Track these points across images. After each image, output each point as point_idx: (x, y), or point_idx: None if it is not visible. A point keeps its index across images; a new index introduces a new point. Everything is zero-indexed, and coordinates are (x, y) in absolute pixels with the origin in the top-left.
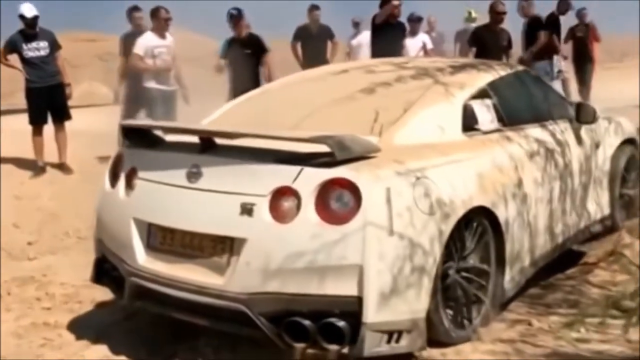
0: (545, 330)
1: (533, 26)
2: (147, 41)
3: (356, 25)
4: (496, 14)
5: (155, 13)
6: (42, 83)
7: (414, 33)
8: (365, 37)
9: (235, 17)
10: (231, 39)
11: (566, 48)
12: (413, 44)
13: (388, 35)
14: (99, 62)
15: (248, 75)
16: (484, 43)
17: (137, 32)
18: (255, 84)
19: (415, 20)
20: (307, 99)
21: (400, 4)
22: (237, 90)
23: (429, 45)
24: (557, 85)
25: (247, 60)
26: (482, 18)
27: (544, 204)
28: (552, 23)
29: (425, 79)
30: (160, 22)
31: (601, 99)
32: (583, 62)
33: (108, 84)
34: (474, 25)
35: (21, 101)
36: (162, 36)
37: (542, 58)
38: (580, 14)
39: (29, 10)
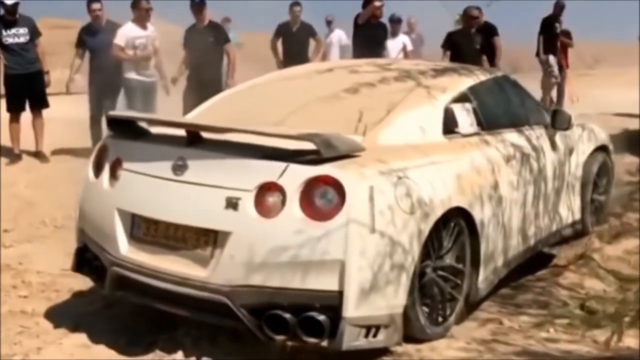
0: (515, 330)
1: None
2: (127, 31)
3: (329, 23)
4: (470, 18)
5: (136, 4)
6: (21, 70)
7: (394, 34)
8: (336, 35)
9: (197, 5)
10: (192, 28)
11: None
12: (393, 45)
13: (370, 36)
14: (74, 50)
15: (210, 64)
16: (458, 47)
17: (94, 24)
18: (217, 74)
19: (395, 21)
20: (293, 97)
21: (382, 4)
22: (197, 79)
23: (409, 47)
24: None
25: (209, 49)
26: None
27: (518, 207)
28: (547, 26)
29: (409, 81)
30: (142, 12)
31: (574, 106)
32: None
33: (83, 72)
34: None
35: None
36: (143, 27)
37: None
38: (555, 22)
39: None
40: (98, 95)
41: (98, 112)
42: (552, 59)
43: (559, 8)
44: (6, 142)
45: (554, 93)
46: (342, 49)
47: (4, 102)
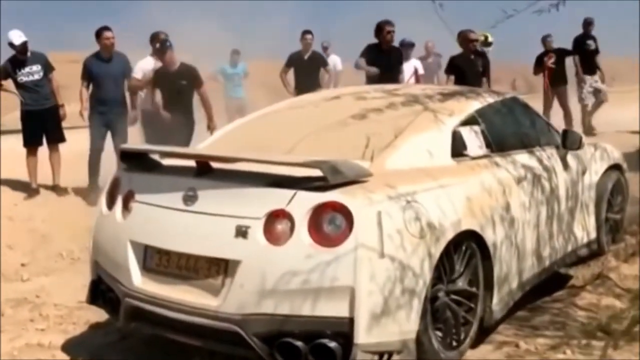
0: (532, 352)
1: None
2: (145, 65)
3: (325, 49)
4: (467, 42)
5: (154, 37)
6: (37, 106)
7: (406, 58)
8: (331, 61)
9: (161, 49)
10: (160, 71)
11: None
12: (405, 69)
13: (386, 61)
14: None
15: (181, 109)
16: (461, 70)
17: (102, 53)
18: (188, 118)
19: (407, 45)
20: (301, 124)
21: (392, 29)
22: (166, 123)
23: (420, 71)
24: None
25: (180, 93)
26: (497, 42)
27: (532, 228)
28: (580, 45)
29: (416, 105)
30: (159, 46)
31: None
32: (558, 85)
33: None
34: (489, 49)
35: (11, 123)
36: (162, 60)
37: None
38: (545, 41)
39: (17, 38)
40: (99, 128)
41: (99, 145)
42: (588, 79)
43: (587, 24)
44: (24, 176)
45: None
46: (337, 74)
47: (17, 137)
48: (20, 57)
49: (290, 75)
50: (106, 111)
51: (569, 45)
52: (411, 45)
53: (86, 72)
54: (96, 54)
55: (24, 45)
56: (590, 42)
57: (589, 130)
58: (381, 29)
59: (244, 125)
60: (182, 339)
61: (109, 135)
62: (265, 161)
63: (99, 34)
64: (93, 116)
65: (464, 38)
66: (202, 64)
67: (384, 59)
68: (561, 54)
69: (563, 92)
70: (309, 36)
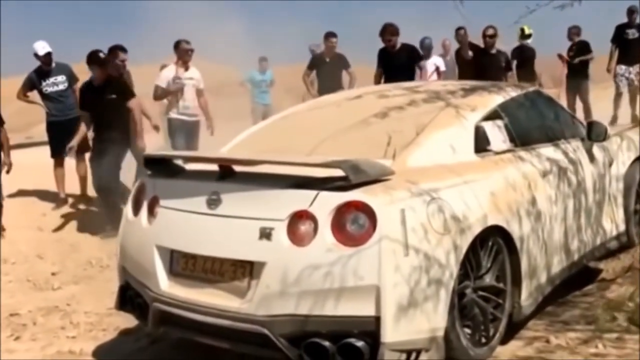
0: (562, 347)
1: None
2: (169, 73)
3: (312, 52)
4: (487, 37)
5: (177, 45)
6: (62, 116)
7: (426, 57)
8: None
9: (98, 62)
10: (88, 85)
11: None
12: (427, 67)
13: (395, 62)
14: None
15: (111, 124)
16: (482, 66)
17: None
18: (122, 133)
19: (426, 46)
20: (323, 125)
21: (392, 40)
22: (101, 139)
23: (442, 68)
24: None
25: (109, 107)
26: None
27: (559, 222)
28: (620, 34)
29: (437, 101)
30: (182, 53)
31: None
32: (579, 79)
33: None
34: (529, 41)
35: (37, 134)
36: (185, 68)
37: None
38: (571, 33)
39: (42, 49)
40: (107, 166)
41: (115, 182)
42: (624, 69)
43: (630, 13)
44: (52, 187)
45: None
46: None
47: (44, 148)
48: (45, 67)
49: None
50: (109, 147)
51: (599, 38)
52: (429, 47)
53: (84, 102)
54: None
55: (49, 55)
56: (631, 31)
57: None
58: (381, 34)
59: (266, 128)
60: (211, 341)
61: None
62: (287, 163)
63: (114, 54)
64: (95, 155)
65: (483, 34)
66: (223, 68)
67: (394, 60)
68: (583, 47)
69: (584, 87)
70: (333, 39)
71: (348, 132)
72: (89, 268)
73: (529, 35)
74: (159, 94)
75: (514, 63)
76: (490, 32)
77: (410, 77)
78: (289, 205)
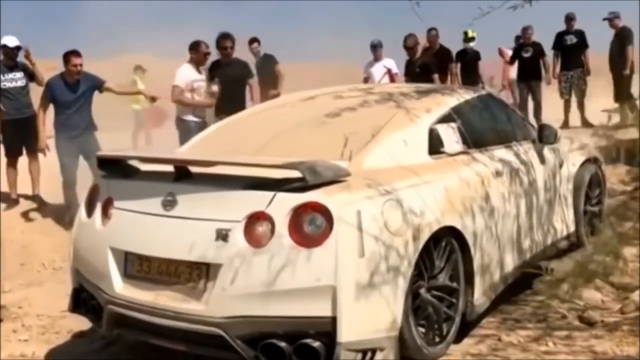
0: (514, 345)
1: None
2: (187, 74)
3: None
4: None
5: (195, 46)
6: (18, 114)
7: (377, 59)
8: (389, 64)
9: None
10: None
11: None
12: (377, 69)
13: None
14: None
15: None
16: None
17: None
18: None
19: (377, 45)
20: (279, 126)
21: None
22: None
23: (394, 70)
24: None
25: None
26: (479, 38)
27: (511, 223)
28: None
29: (392, 104)
30: (200, 55)
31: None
32: (531, 80)
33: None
34: (472, 44)
35: None
36: (200, 70)
37: None
38: (525, 33)
39: (12, 41)
40: (72, 157)
41: (73, 174)
42: (565, 74)
43: (568, 20)
44: (3, 187)
45: None
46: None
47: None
48: (9, 61)
49: None
50: (75, 139)
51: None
52: (379, 45)
53: (48, 96)
54: (63, 75)
55: (17, 49)
56: (569, 37)
57: (565, 125)
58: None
59: (223, 128)
60: (167, 344)
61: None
62: (244, 164)
63: (67, 58)
64: (61, 146)
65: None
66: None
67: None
68: (537, 48)
69: (537, 88)
70: (433, 32)
71: (305, 133)
72: (41, 270)
73: (473, 39)
74: (177, 94)
75: (458, 65)
76: (433, 32)
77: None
78: (246, 206)
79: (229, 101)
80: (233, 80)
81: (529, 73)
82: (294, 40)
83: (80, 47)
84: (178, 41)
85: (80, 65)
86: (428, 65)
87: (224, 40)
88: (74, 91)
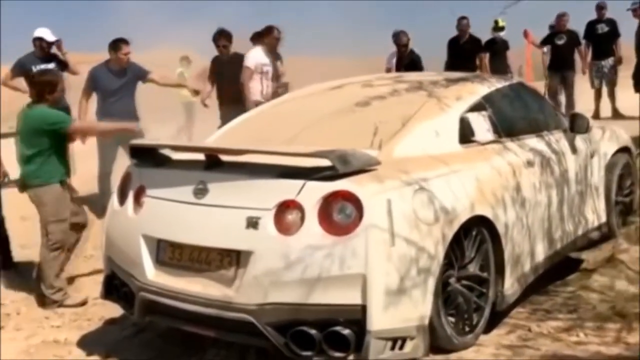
0: (544, 335)
1: None
2: (258, 57)
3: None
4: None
5: (268, 32)
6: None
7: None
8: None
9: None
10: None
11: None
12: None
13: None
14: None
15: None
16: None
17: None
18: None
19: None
20: (308, 115)
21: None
22: None
23: None
24: None
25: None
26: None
27: (542, 212)
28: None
29: (422, 92)
30: (272, 40)
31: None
32: (564, 71)
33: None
34: (502, 34)
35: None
36: (270, 54)
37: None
38: (560, 20)
39: (49, 35)
40: (112, 147)
41: (110, 163)
42: (597, 64)
43: (599, 9)
44: None
45: None
46: None
47: None
48: (42, 54)
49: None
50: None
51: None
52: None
53: (92, 84)
54: (107, 63)
55: (53, 43)
56: (601, 25)
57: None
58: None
59: (254, 117)
60: (197, 330)
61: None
62: (274, 152)
63: (115, 47)
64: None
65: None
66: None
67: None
68: (571, 36)
69: (569, 80)
70: (464, 21)
71: (334, 122)
72: (73, 259)
73: (502, 28)
74: (248, 76)
75: (487, 55)
76: (464, 21)
77: (474, 65)
78: (276, 194)
79: (232, 95)
80: (234, 75)
81: (563, 62)
82: (299, 32)
83: (102, 40)
84: (198, 34)
85: (129, 53)
86: (416, 62)
87: (221, 38)
88: (119, 79)
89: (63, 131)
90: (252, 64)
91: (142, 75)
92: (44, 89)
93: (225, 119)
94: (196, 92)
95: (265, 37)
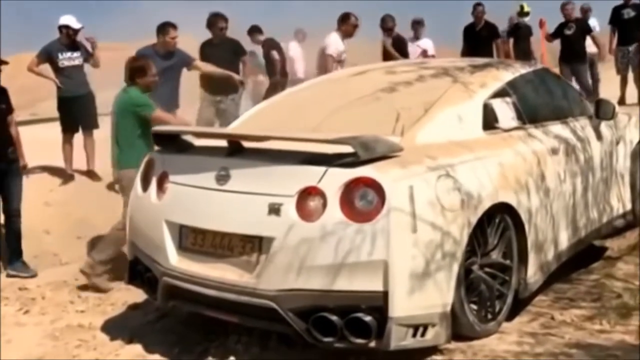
0: (567, 323)
1: None
2: (337, 44)
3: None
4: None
5: (345, 19)
6: (75, 92)
7: (417, 37)
8: (424, 44)
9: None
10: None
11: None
12: (412, 50)
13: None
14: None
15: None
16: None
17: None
18: None
19: (417, 23)
20: (331, 101)
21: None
22: None
23: (430, 51)
24: None
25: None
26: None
27: (566, 200)
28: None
29: (446, 78)
30: (349, 27)
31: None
32: (575, 62)
33: None
34: (526, 19)
35: (41, 111)
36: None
37: None
38: (564, 9)
39: (75, 23)
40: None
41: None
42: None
43: None
44: (58, 163)
45: None
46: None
47: (50, 124)
48: (67, 41)
49: None
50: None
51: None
52: (421, 23)
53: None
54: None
55: (79, 31)
56: (627, 10)
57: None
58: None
59: (275, 104)
60: (220, 316)
61: None
62: (296, 139)
63: (164, 30)
64: None
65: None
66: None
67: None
68: (580, 25)
69: (580, 70)
70: (480, 8)
71: (357, 108)
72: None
73: (527, 13)
74: (331, 64)
75: (511, 40)
76: (480, 8)
77: (490, 52)
78: (298, 181)
79: (223, 81)
80: (225, 60)
81: (572, 53)
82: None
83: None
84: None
85: (176, 37)
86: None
87: (219, 19)
88: (164, 62)
89: (146, 116)
90: (334, 52)
91: (188, 61)
92: (135, 73)
93: (211, 107)
94: (241, 83)
95: (343, 24)
